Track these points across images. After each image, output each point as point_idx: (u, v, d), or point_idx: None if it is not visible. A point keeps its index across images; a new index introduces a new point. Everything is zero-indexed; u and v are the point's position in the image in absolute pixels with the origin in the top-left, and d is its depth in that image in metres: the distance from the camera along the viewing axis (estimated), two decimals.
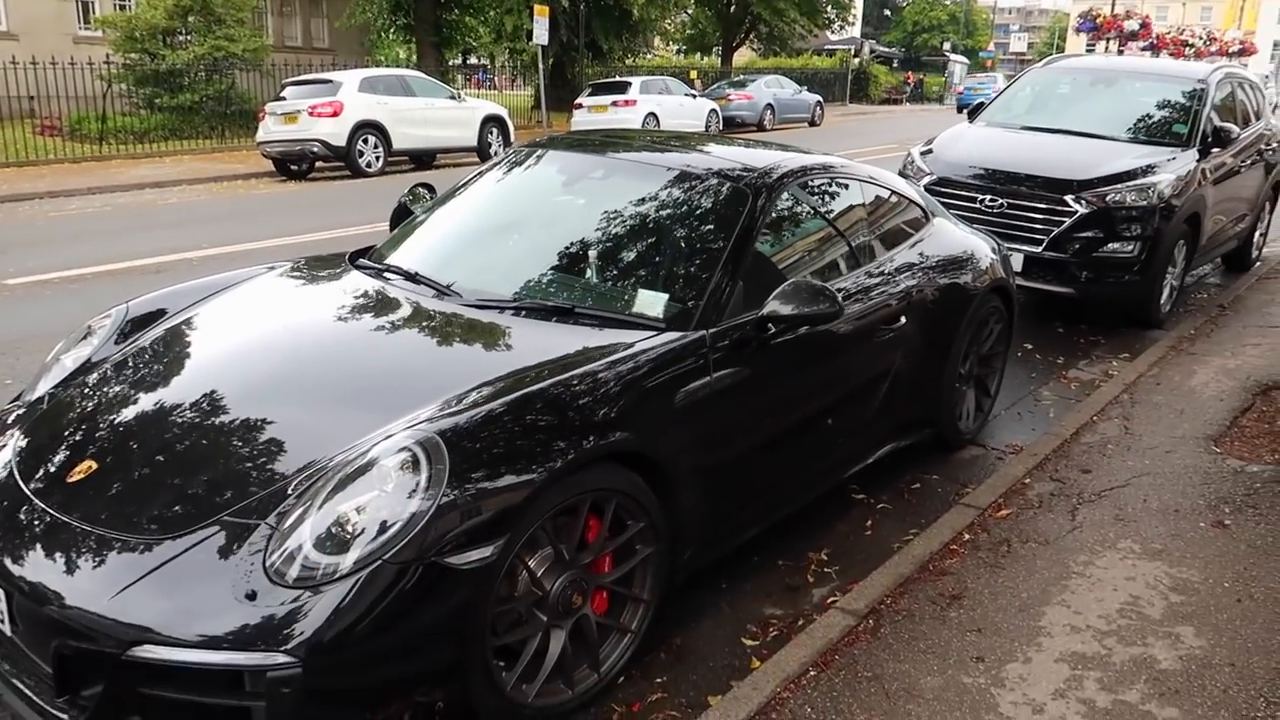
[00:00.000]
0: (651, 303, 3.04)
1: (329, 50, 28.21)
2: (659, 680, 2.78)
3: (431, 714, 2.30)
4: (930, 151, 7.21)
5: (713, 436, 2.91)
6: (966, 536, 3.47)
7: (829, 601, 3.13)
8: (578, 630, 2.59)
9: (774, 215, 3.44)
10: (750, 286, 3.15)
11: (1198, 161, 6.67)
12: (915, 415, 4.15)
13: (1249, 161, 7.71)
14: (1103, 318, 6.69)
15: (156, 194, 13.31)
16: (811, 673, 2.67)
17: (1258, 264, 8.60)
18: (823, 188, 3.83)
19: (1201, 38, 30.19)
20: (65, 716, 2.17)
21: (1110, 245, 6.21)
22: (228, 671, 2.06)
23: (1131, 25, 28.33)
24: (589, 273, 3.23)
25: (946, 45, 60.61)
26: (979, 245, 4.58)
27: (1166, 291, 6.67)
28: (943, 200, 6.59)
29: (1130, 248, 6.22)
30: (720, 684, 2.75)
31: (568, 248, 3.33)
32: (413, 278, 3.31)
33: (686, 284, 3.10)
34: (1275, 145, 8.38)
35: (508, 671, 2.43)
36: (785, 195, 3.52)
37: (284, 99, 15.32)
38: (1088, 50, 35.44)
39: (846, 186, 3.96)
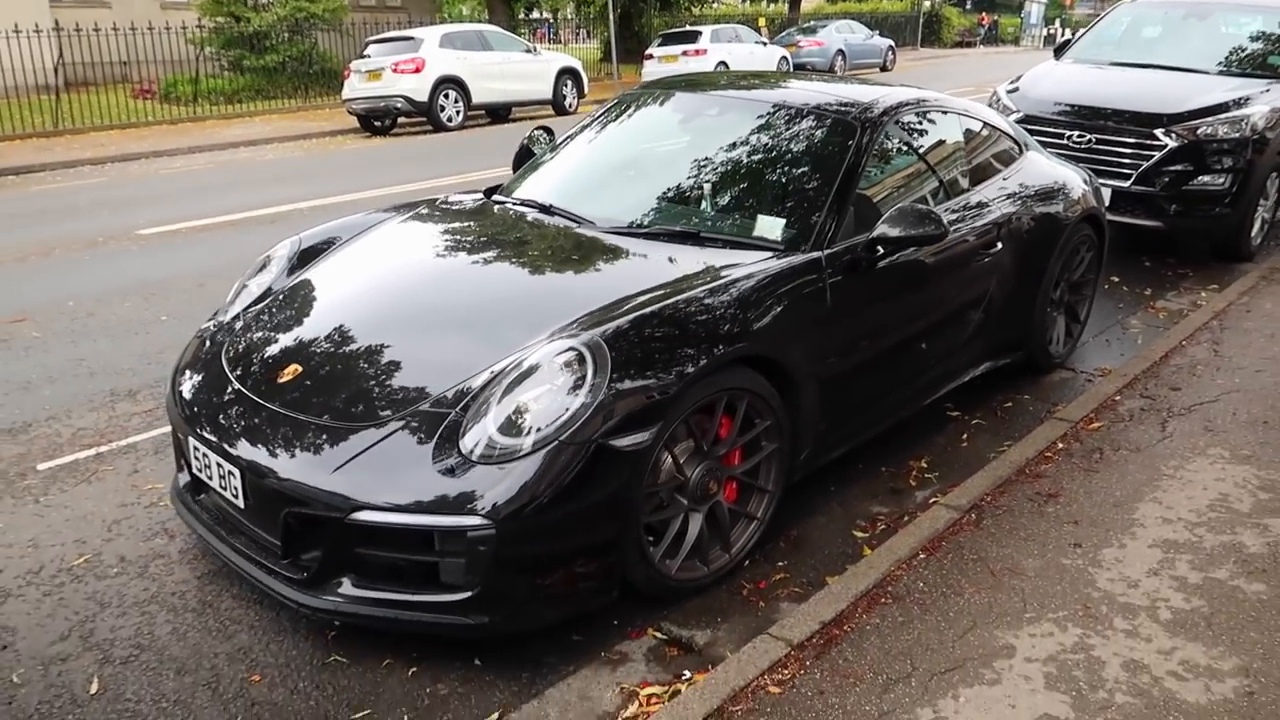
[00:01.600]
0: (771, 227, 3.32)
1: (401, 8, 28.60)
2: (780, 564, 3.11)
3: (592, 580, 2.66)
4: (1016, 90, 7.28)
5: (828, 348, 3.19)
6: (1060, 446, 3.71)
7: (931, 501, 3.42)
8: (712, 515, 2.93)
9: (879, 146, 3.67)
10: (859, 212, 3.41)
11: None
12: (1008, 338, 4.37)
13: None
14: (1191, 251, 6.75)
15: (252, 152, 13.91)
16: (921, 556, 2.97)
17: None
18: (922, 121, 4.04)
19: None
20: (292, 575, 2.59)
21: (1201, 178, 6.26)
22: (429, 532, 2.45)
23: None
24: (710, 202, 3.52)
25: None
26: (1071, 176, 4.74)
27: (1258, 225, 6.69)
28: (1031, 137, 6.72)
29: (1221, 180, 6.26)
30: (836, 568, 3.06)
31: (689, 179, 3.62)
32: (548, 209, 3.64)
33: (801, 210, 3.37)
34: None
35: (654, 547, 2.78)
36: (889, 128, 3.75)
37: (368, 56, 15.76)
38: None
39: (944, 119, 4.16)
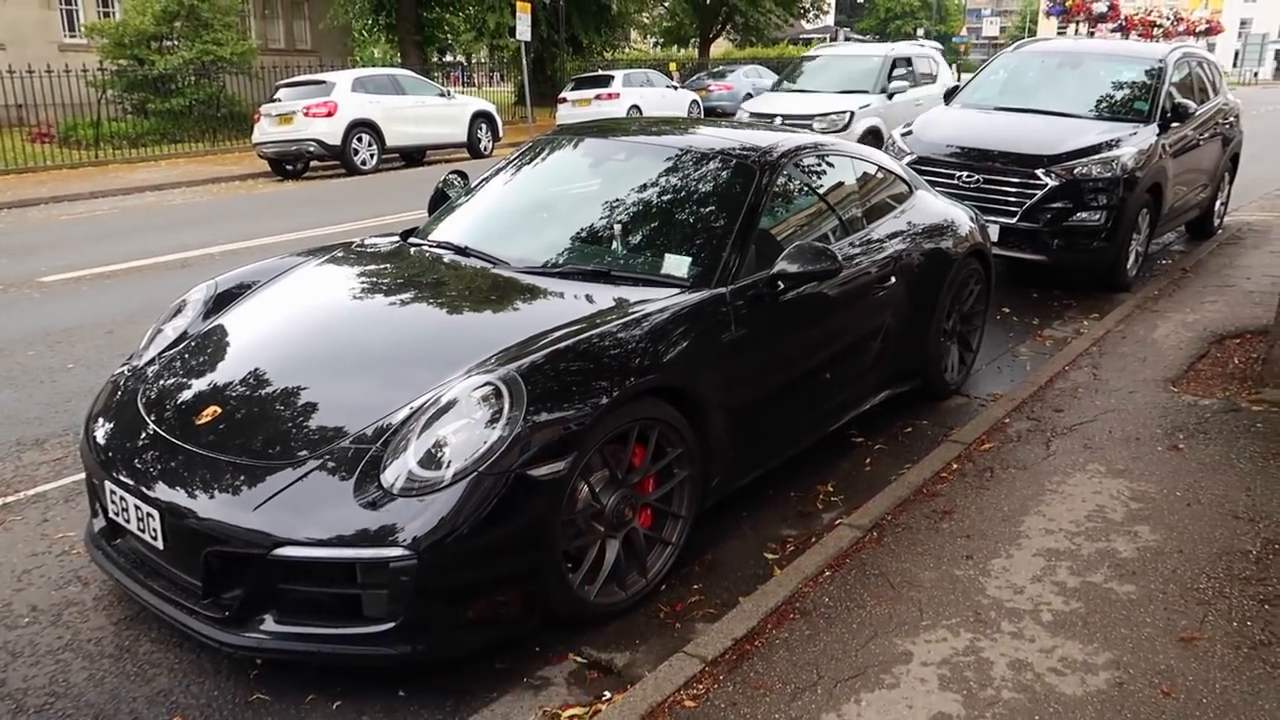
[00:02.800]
0: (677, 265, 3.50)
1: (312, 51, 28.49)
2: (696, 586, 3.24)
3: (512, 608, 2.75)
4: (910, 133, 7.70)
5: (735, 379, 3.37)
6: (954, 466, 3.95)
7: (837, 522, 3.60)
8: (628, 541, 3.05)
9: (778, 188, 3.90)
10: (761, 250, 3.62)
11: (1158, 136, 7.19)
12: (905, 366, 4.63)
13: (1207, 135, 8.24)
14: (1074, 283, 7.20)
15: (158, 196, 13.65)
16: (827, 573, 3.14)
17: (1219, 231, 9.14)
18: (818, 163, 4.29)
19: (1169, 18, 30.91)
20: (214, 614, 2.61)
21: (1079, 214, 6.72)
22: (351, 565, 2.51)
23: (1100, 8, 29.00)
24: (620, 241, 3.69)
25: (920, 31, 61.20)
26: (958, 214, 5.06)
27: (1132, 257, 7.18)
28: (923, 178, 7.11)
29: (1097, 216, 6.72)
30: (748, 588, 3.21)
31: (600, 221, 3.79)
32: (463, 251, 3.75)
33: (706, 248, 3.56)
34: (1232, 120, 8.93)
35: (573, 574, 2.88)
36: (786, 170, 3.98)
37: (278, 100, 15.67)
38: (1059, 33, 36.09)
39: (839, 162, 4.42)
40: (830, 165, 4.39)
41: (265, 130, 15.40)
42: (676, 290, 3.36)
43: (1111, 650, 2.67)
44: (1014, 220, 6.77)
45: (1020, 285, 7.28)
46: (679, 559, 3.25)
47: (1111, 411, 4.47)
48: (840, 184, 4.39)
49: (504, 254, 3.66)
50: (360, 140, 15.51)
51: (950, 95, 8.56)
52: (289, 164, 15.67)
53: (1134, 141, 6.98)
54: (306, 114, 15.01)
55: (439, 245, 3.87)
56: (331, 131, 15.06)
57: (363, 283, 3.64)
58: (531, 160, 4.33)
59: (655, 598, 3.14)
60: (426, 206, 4.61)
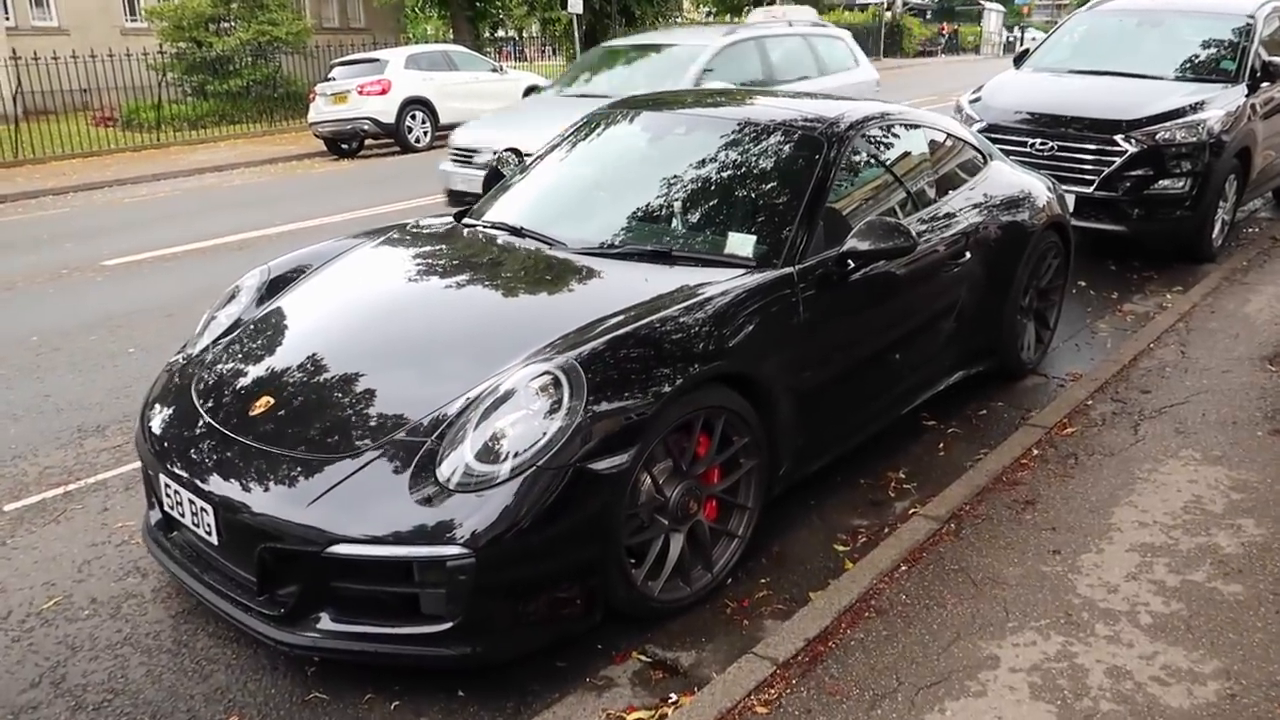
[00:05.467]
0: (742, 244, 3.33)
1: (366, 29, 28.56)
2: (763, 580, 3.10)
3: (574, 605, 2.64)
4: (979, 99, 7.37)
5: (803, 362, 3.20)
6: (1035, 452, 3.74)
7: (910, 512, 3.42)
8: (693, 534, 2.92)
9: (846, 161, 3.70)
10: (829, 226, 3.43)
11: (1246, 97, 6.77)
12: (980, 346, 4.40)
13: None
14: (1155, 254, 6.85)
15: (218, 178, 13.78)
16: (903, 568, 2.98)
17: None
18: (887, 134, 4.07)
19: None
20: (269, 611, 2.54)
21: (1161, 182, 6.36)
22: (405, 564, 2.42)
23: None
24: (680, 220, 3.53)
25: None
26: (1035, 185, 4.80)
27: (1218, 226, 6.80)
28: (994, 146, 6.80)
29: (1181, 184, 6.36)
30: (818, 583, 3.06)
31: (659, 198, 3.63)
32: (518, 232, 3.63)
33: (772, 226, 3.39)
34: None
35: (637, 569, 2.76)
36: (854, 142, 3.77)
37: (333, 79, 15.69)
38: None
39: (909, 132, 4.20)
40: (900, 135, 4.16)
41: (320, 109, 15.43)
42: (741, 271, 3.20)
43: (1219, 658, 2.47)
44: (1090, 189, 6.44)
45: (1097, 257, 6.95)
46: (745, 552, 3.11)
47: (1204, 393, 4.20)
48: (910, 155, 4.17)
49: (560, 235, 3.53)
50: (414, 118, 15.47)
51: (1020, 59, 8.18)
52: (344, 143, 15.69)
53: (1220, 103, 6.58)
54: (361, 92, 14.99)
55: (493, 226, 3.75)
56: (386, 110, 15.04)
57: (417, 267, 3.53)
58: (587, 136, 4.18)
59: (721, 593, 3.01)
60: (481, 185, 4.49)
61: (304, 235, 8.29)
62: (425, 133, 15.68)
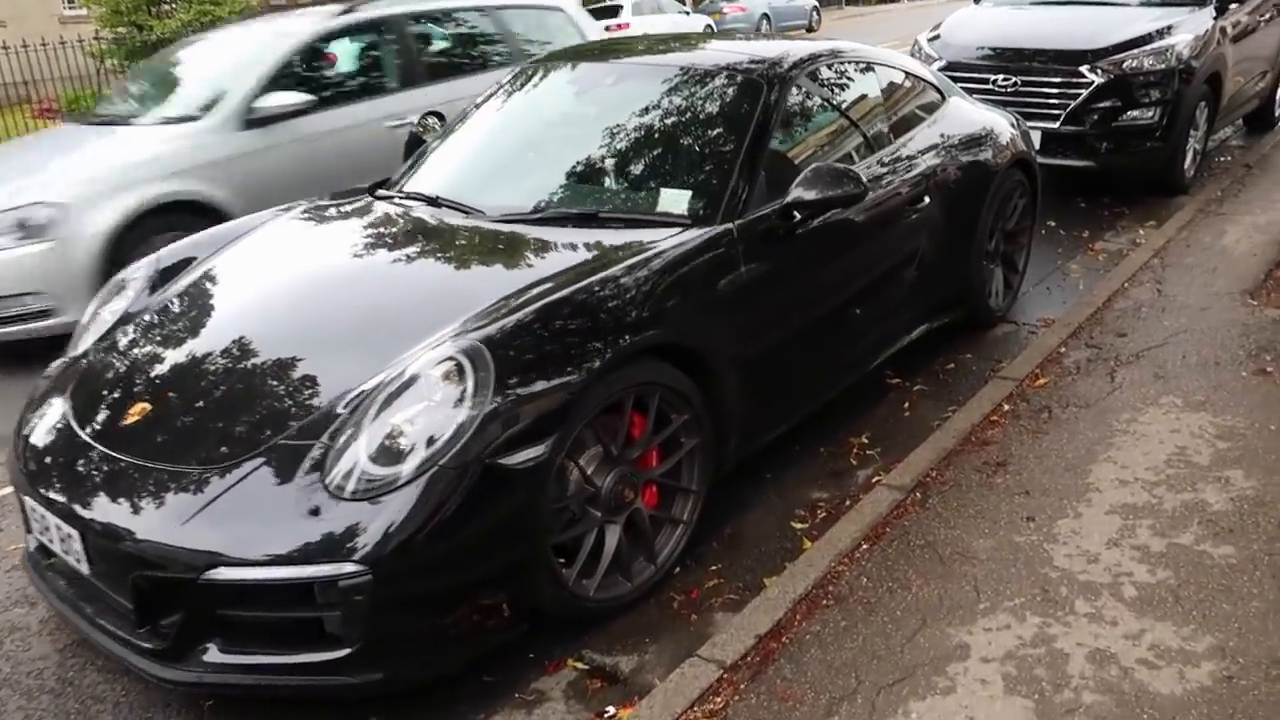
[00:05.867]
0: (675, 200, 3.03)
1: (318, 4, 27.75)
2: (714, 567, 2.83)
3: (497, 615, 2.36)
4: (938, 37, 7.04)
5: (748, 327, 2.91)
6: (1006, 407, 3.48)
7: (874, 481, 3.17)
8: (631, 524, 2.64)
9: (789, 104, 3.38)
10: (772, 177, 3.13)
11: (1215, 19, 6.48)
12: (945, 295, 4.13)
13: (1267, 16, 7.46)
14: (1126, 188, 6.57)
15: None
16: (864, 546, 2.72)
17: None
18: (835, 74, 3.76)
19: None
20: (149, 645, 2.25)
21: (1130, 113, 6.08)
22: (299, 586, 2.13)
23: None
24: (610, 179, 3.21)
25: None
26: (997, 121, 4.50)
27: (1190, 156, 6.53)
28: (955, 84, 6.49)
29: (1150, 114, 6.08)
30: (774, 566, 2.80)
31: (587, 156, 3.31)
32: (434, 201, 3.31)
33: (708, 179, 3.08)
34: None
35: (568, 568, 2.48)
36: (798, 83, 3.46)
37: None
38: None
39: (859, 71, 3.89)
40: (850, 75, 3.85)
41: None
42: (676, 230, 2.89)
43: (1213, 633, 2.22)
44: (1057, 125, 6.14)
45: (1066, 194, 6.66)
46: (693, 537, 2.84)
47: (1183, 333, 3.95)
48: (863, 95, 3.86)
49: (480, 202, 3.21)
50: None
51: None
52: None
53: (1189, 27, 6.28)
54: None
55: (409, 197, 3.42)
56: None
57: (318, 248, 3.21)
58: (512, 92, 3.84)
59: (667, 584, 2.74)
60: (402, 154, 4.14)
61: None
62: None
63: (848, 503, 3.08)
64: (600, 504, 2.53)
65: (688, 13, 23.61)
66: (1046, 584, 2.46)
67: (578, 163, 3.29)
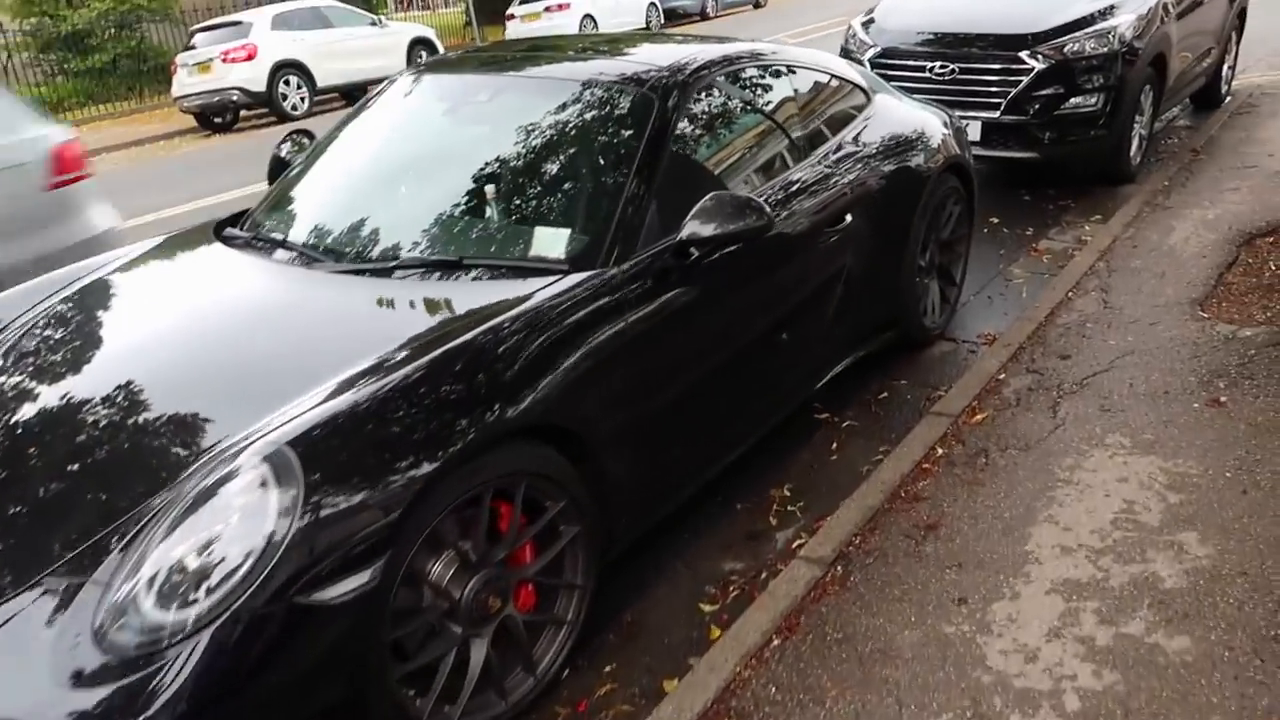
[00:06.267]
0: (551, 242, 2.63)
1: None
2: (608, 668, 2.46)
3: None
4: (872, 21, 6.67)
5: (639, 386, 2.53)
6: (940, 451, 3.14)
7: (794, 547, 2.81)
8: (504, 634, 2.26)
9: (689, 119, 3.00)
10: (669, 206, 2.75)
11: None
12: (875, 318, 3.79)
13: None
14: (1070, 179, 6.28)
15: None
16: (775, 642, 2.36)
17: (1227, 99, 8.14)
18: (745, 80, 3.37)
19: None
20: None
21: (1072, 100, 5.76)
22: None
23: None
24: (478, 217, 2.79)
25: None
26: (928, 121, 4.15)
27: (1135, 142, 6.24)
28: (890, 72, 6.12)
29: (1094, 100, 5.77)
30: (677, 662, 2.44)
31: (453, 188, 2.88)
32: (281, 244, 2.88)
33: (590, 214, 2.68)
34: None
35: (422, 698, 2.10)
36: (699, 94, 3.07)
37: (194, 48, 14.42)
38: None
39: (773, 75, 3.51)
40: (763, 81, 3.47)
41: (184, 82, 14.19)
42: (552, 278, 2.49)
43: None
44: (998, 114, 5.81)
45: (1008, 187, 6.36)
46: (588, 628, 2.47)
47: (1130, 354, 3.63)
48: (778, 104, 3.48)
49: (328, 245, 2.79)
50: (288, 83, 14.30)
51: None
52: (216, 116, 14.50)
53: (1131, 6, 5.96)
54: (225, 60, 13.79)
55: (248, 243, 2.98)
56: (254, 77, 13.85)
57: (133, 312, 2.76)
58: (378, 109, 3.40)
59: (553, 695, 2.37)
60: (267, 177, 3.69)
61: (155, 226, 7.34)
62: (302, 98, 14.55)
63: (764, 575, 2.73)
64: (460, 618, 2.15)
65: None
66: (978, 693, 2.12)
67: (442, 198, 2.87)
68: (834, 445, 3.45)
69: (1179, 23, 6.44)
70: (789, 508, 3.10)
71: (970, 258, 4.47)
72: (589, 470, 2.37)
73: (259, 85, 13.90)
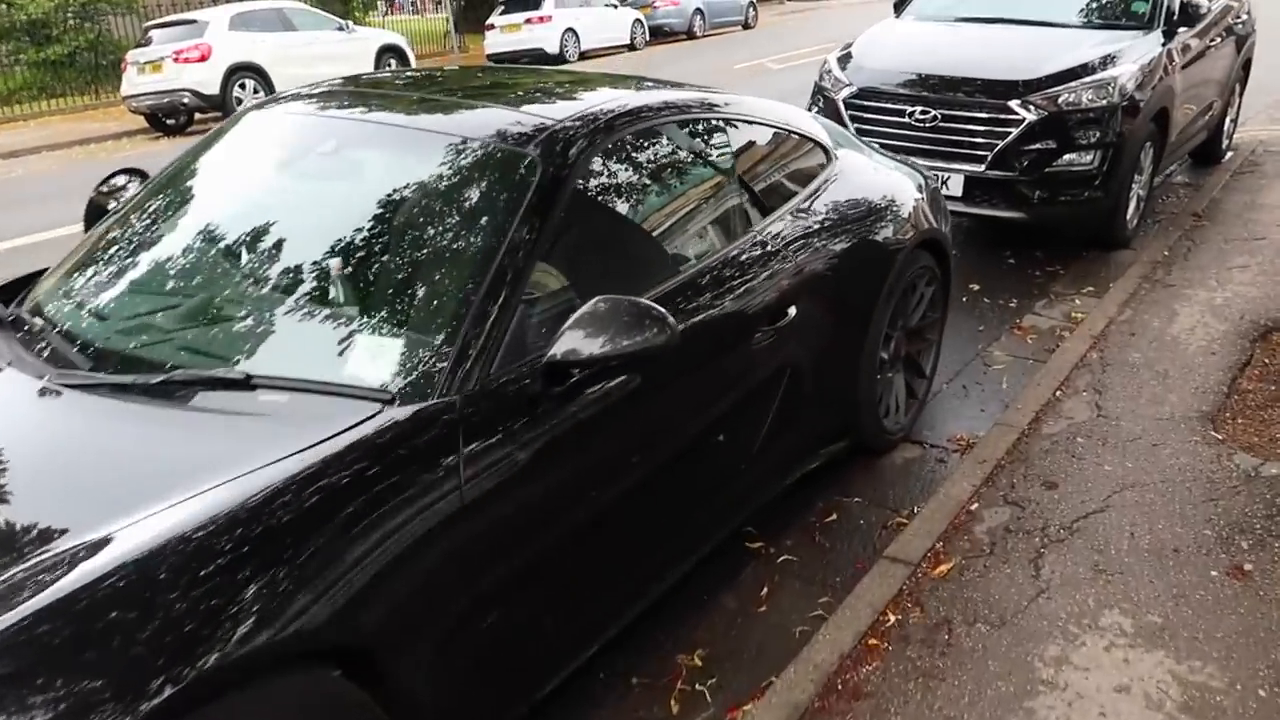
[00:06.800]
0: (371, 358, 1.95)
1: None
2: None
3: None
4: (849, 57, 6.05)
5: (483, 566, 1.86)
6: (891, 619, 2.48)
7: None
8: None
9: (582, 190, 2.34)
10: (550, 306, 2.09)
11: (1163, 45, 5.60)
12: (825, 426, 3.14)
13: (1218, 39, 6.64)
14: (1060, 241, 5.68)
15: (7, 165, 11.82)
16: None
17: (1228, 155, 7.59)
18: (671, 139, 2.72)
19: None
20: None
21: (1066, 157, 5.16)
22: None
23: None
24: (291, 310, 2.11)
25: None
26: (899, 185, 3.51)
27: (1133, 204, 5.65)
28: (866, 114, 5.51)
29: (1089, 158, 5.17)
30: None
31: (260, 271, 2.20)
32: (44, 333, 2.19)
33: (433, 319, 2.01)
34: (1244, 16, 7.32)
35: None
36: (604, 157, 2.42)
37: (147, 44, 13.69)
38: None
39: (709, 132, 2.86)
40: (697, 138, 2.84)
41: (134, 80, 13.44)
42: (367, 411, 1.82)
43: None
44: (983, 168, 5.20)
45: (991, 246, 5.75)
46: None
47: (1130, 488, 2.99)
48: (706, 168, 2.83)
49: (98, 341, 2.11)
50: (243, 87, 13.58)
51: (901, 5, 6.87)
52: (168, 118, 13.76)
53: (1134, 55, 5.38)
54: (177, 59, 13.06)
55: (28, 319, 2.29)
56: (207, 79, 13.13)
57: None
58: (211, 155, 2.71)
59: None
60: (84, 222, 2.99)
61: (28, 252, 6.62)
62: None
63: None
64: None
65: (616, 6, 22.43)
66: None
67: (245, 285, 2.18)
68: (765, 590, 2.78)
69: (1183, 73, 5.87)
70: (698, 685, 2.42)
71: (941, 349, 3.83)
72: (397, 690, 1.70)
73: (212, 88, 13.18)
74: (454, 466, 1.81)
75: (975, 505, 2.97)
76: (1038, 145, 5.14)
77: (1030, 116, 5.10)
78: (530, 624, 2.04)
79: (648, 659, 2.52)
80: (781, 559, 2.92)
